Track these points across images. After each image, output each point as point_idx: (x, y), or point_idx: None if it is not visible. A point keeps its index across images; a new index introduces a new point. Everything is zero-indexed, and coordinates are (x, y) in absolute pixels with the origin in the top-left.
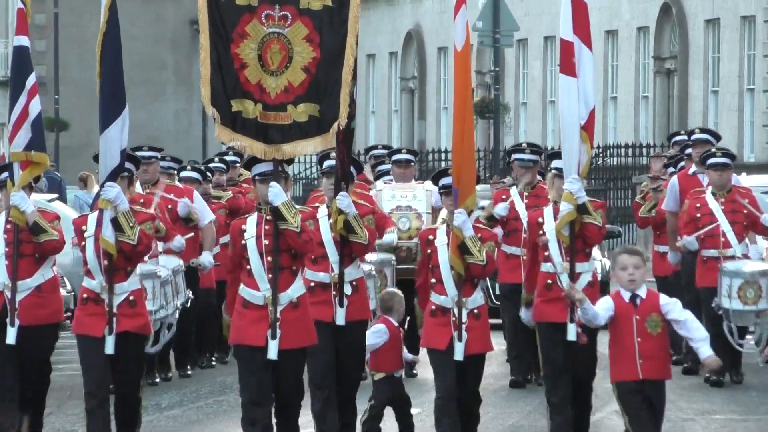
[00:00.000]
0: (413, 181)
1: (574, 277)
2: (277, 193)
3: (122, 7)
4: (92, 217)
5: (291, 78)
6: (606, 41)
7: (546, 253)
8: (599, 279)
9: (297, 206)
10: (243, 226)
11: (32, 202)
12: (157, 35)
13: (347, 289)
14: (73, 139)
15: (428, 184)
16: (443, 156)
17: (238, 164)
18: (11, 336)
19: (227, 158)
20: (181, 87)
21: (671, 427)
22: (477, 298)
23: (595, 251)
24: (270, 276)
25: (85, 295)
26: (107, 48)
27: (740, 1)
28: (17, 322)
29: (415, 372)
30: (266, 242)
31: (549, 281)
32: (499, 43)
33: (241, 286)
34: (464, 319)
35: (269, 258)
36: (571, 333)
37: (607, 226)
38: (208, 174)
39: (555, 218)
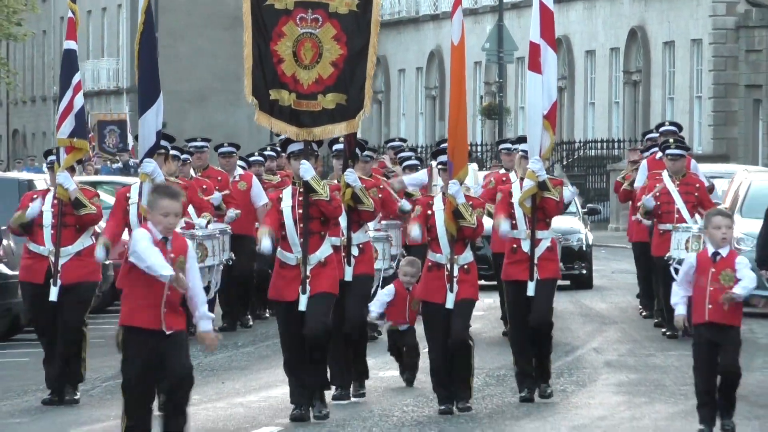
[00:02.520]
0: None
1: (534, 242)
2: (306, 169)
3: (207, 32)
4: (135, 188)
5: (321, 71)
6: (586, 59)
7: (513, 222)
8: (583, 249)
9: (325, 180)
10: (280, 196)
11: (74, 181)
12: (235, 54)
13: (354, 251)
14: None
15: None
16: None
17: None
18: (54, 294)
19: (278, 148)
20: None
21: (637, 361)
22: (467, 256)
23: (579, 224)
24: (302, 240)
25: None
26: (144, 46)
27: (691, 27)
28: (59, 282)
29: (375, 335)
30: (300, 211)
31: (514, 246)
32: (502, 60)
33: (278, 249)
34: (456, 273)
35: (302, 225)
36: (530, 289)
37: (589, 205)
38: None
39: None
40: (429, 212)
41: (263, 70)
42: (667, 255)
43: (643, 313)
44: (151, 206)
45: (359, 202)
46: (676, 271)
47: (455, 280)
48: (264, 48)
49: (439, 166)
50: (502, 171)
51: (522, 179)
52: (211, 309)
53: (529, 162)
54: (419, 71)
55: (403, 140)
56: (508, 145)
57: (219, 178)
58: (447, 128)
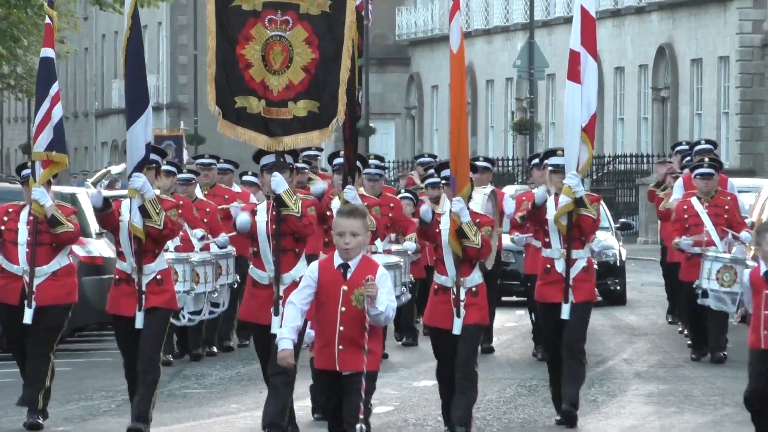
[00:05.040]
0: (488, 186)
1: (570, 262)
2: (278, 182)
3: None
4: (125, 204)
5: (292, 77)
6: (615, 75)
7: (546, 240)
8: (617, 264)
9: (301, 195)
10: (255, 209)
11: (51, 197)
12: None
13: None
14: (207, 149)
15: (487, 188)
16: (499, 163)
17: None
18: (28, 316)
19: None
20: None
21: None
22: (475, 278)
23: (613, 239)
24: (274, 258)
25: (117, 277)
26: (131, 53)
27: (718, 45)
28: (34, 303)
29: (410, 341)
30: (273, 227)
31: (548, 266)
32: (533, 76)
33: (251, 266)
34: (462, 296)
35: (275, 241)
36: (565, 312)
37: (622, 220)
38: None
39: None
40: (436, 230)
41: (227, 75)
42: (696, 283)
43: (669, 319)
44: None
45: None
46: (703, 299)
47: (462, 303)
48: (229, 52)
49: (442, 182)
50: (535, 190)
51: (556, 195)
52: (214, 330)
53: (565, 177)
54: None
55: (433, 156)
56: (537, 161)
57: (226, 196)
58: (450, 141)
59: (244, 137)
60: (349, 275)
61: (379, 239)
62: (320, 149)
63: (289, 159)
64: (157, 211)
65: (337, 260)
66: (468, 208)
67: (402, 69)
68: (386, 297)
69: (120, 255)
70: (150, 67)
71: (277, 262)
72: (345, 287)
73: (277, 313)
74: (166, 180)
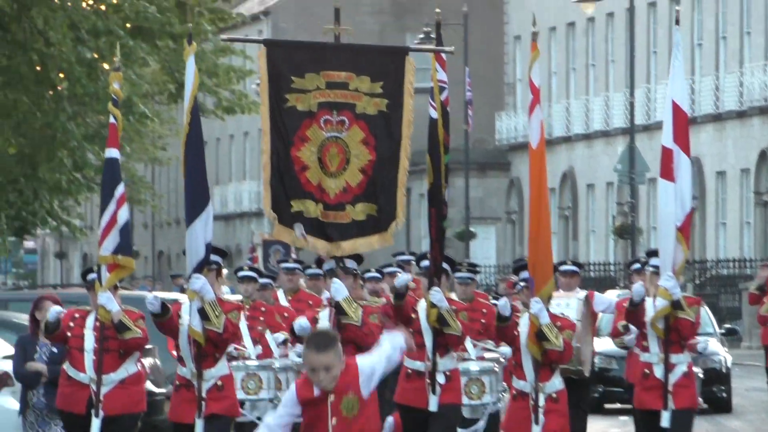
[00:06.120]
0: (577, 290)
1: (668, 367)
2: (337, 289)
3: None
4: (185, 307)
5: (349, 179)
6: (717, 179)
7: (644, 344)
8: (722, 371)
9: (365, 300)
10: (316, 317)
11: (118, 302)
12: None
13: (441, 378)
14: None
15: (582, 293)
16: (600, 268)
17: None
18: (95, 427)
19: (389, 270)
20: None
21: None
22: (555, 383)
23: (718, 345)
24: None
25: (177, 383)
26: (191, 148)
27: None
28: (102, 413)
29: None
30: None
31: (646, 371)
32: (634, 181)
33: None
34: (542, 403)
35: None
36: (665, 419)
37: (726, 325)
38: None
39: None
40: (515, 332)
41: (282, 179)
42: None
43: None
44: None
45: (445, 324)
46: None
47: (541, 410)
48: (284, 154)
49: (521, 283)
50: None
51: (654, 297)
52: None
53: (660, 279)
54: (552, 192)
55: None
56: (638, 265)
57: (310, 302)
58: (528, 240)
59: (302, 242)
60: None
61: (471, 345)
62: (413, 254)
63: (351, 264)
64: (217, 313)
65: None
66: (548, 310)
67: (502, 174)
68: (380, 353)
69: (180, 360)
70: (251, 173)
71: None
72: (332, 397)
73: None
74: (247, 285)
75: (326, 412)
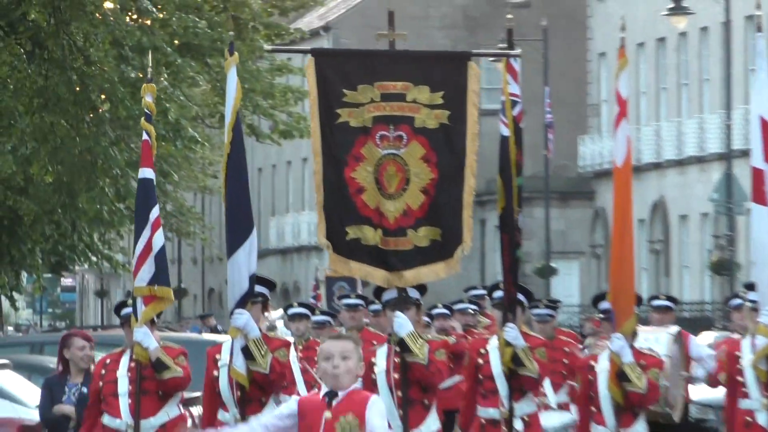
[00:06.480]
0: (672, 326)
1: None
2: (401, 323)
3: None
4: (227, 346)
5: (410, 201)
6: None
7: (743, 389)
8: None
9: (429, 335)
10: (372, 359)
11: (156, 338)
12: None
13: (518, 424)
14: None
15: (673, 328)
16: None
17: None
18: None
19: (459, 306)
20: None
21: None
22: (638, 429)
23: None
24: (401, 412)
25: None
26: (232, 169)
27: None
28: None
29: None
30: (395, 376)
31: (748, 419)
32: (731, 211)
33: None
34: None
35: (399, 393)
36: None
37: None
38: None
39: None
40: (590, 377)
41: (336, 203)
42: None
43: None
44: None
45: (520, 365)
46: None
47: None
48: (336, 176)
49: (601, 316)
50: (737, 336)
51: (753, 336)
52: None
53: (760, 314)
54: (641, 223)
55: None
56: (738, 301)
57: (374, 341)
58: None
59: (359, 273)
60: (334, 403)
61: (551, 390)
62: (486, 287)
63: (415, 294)
64: (263, 352)
65: (323, 391)
66: (632, 347)
67: (586, 203)
68: (379, 422)
69: (222, 405)
70: (311, 204)
71: (405, 417)
72: (328, 414)
73: None
74: (299, 324)
75: (318, 426)
